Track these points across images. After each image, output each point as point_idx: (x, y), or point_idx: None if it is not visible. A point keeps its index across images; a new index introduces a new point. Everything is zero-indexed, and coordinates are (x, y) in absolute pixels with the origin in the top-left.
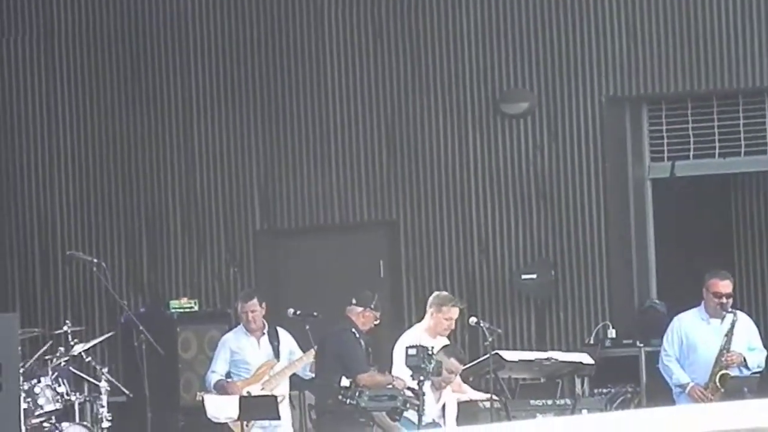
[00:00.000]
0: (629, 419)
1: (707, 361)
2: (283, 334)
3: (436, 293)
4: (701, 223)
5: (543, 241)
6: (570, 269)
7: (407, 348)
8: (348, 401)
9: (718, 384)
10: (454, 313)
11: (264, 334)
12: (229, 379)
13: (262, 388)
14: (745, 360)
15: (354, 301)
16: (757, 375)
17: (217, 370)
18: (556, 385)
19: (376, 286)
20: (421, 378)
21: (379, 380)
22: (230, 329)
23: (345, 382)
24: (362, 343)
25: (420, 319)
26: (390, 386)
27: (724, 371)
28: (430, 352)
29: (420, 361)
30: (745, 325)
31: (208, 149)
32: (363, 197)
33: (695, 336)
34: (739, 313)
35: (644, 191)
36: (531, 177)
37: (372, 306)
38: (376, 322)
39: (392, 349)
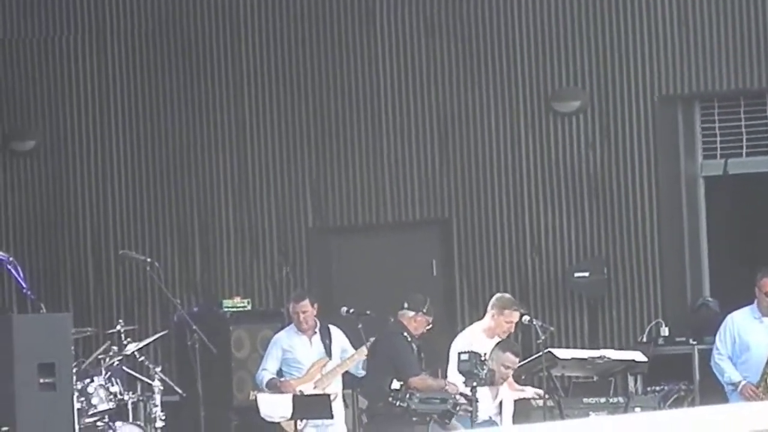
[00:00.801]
0: (683, 417)
1: (759, 360)
2: (336, 332)
3: (498, 295)
4: (754, 221)
5: (595, 239)
6: (622, 267)
7: (459, 353)
8: (399, 403)
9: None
10: (515, 316)
11: (316, 332)
12: (282, 378)
13: (315, 387)
14: None
15: (406, 305)
16: None
17: (269, 368)
18: (609, 383)
19: (428, 285)
20: (474, 384)
21: (430, 384)
22: (282, 328)
23: (396, 385)
24: (414, 347)
25: (474, 318)
26: (443, 391)
27: None
28: (482, 358)
29: (472, 366)
30: None
31: (260, 148)
32: (415, 195)
33: (747, 334)
34: None
35: (697, 189)
36: (583, 175)
37: (424, 310)
38: (429, 327)
39: (449, 347)
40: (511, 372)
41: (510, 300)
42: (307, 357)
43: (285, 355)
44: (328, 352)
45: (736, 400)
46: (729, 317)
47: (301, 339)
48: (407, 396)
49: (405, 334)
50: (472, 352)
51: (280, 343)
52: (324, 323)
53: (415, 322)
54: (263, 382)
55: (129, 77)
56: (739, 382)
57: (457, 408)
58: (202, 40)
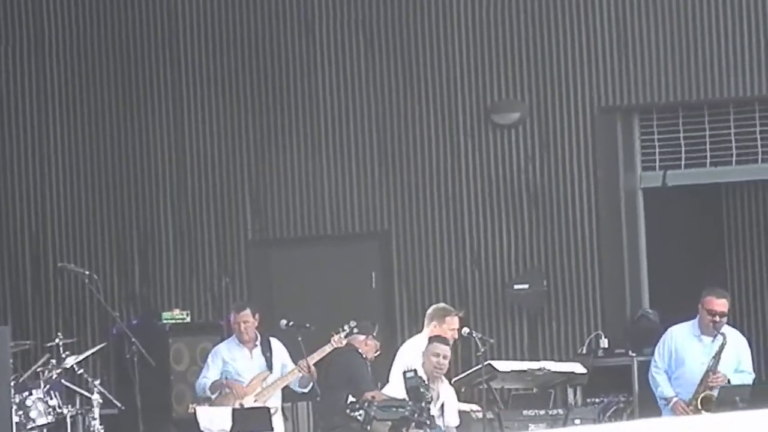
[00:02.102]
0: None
1: (693, 377)
2: (276, 346)
3: (435, 306)
4: (693, 232)
5: (535, 251)
6: (562, 279)
7: (404, 372)
8: (356, 414)
9: (699, 405)
10: (457, 321)
11: (257, 345)
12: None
13: (255, 400)
14: (729, 381)
15: (356, 330)
16: (749, 385)
17: (210, 377)
18: (548, 395)
19: (368, 298)
20: (422, 404)
21: (385, 396)
22: (222, 340)
23: (351, 398)
24: (368, 365)
25: (413, 330)
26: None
27: (707, 393)
28: (426, 382)
29: (419, 383)
30: (737, 345)
31: (199, 160)
32: (355, 208)
33: (685, 351)
34: (732, 332)
35: (636, 201)
36: (523, 187)
37: (374, 334)
38: (377, 353)
39: (390, 359)
40: (446, 362)
41: (447, 308)
42: (247, 369)
43: (225, 367)
44: (269, 366)
45: (668, 414)
46: (669, 331)
47: (242, 351)
48: (365, 405)
49: (361, 353)
50: (415, 371)
51: (220, 354)
52: (264, 336)
53: (366, 345)
54: (206, 387)
55: (68, 90)
56: (672, 397)
57: (416, 414)
58: (140, 52)
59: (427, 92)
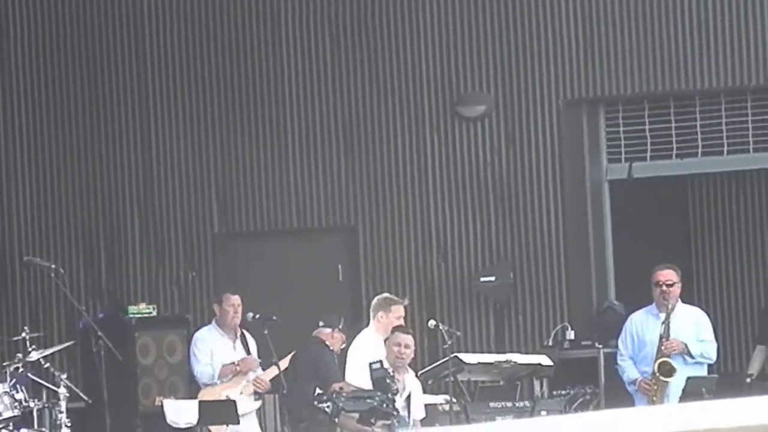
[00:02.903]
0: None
1: (654, 353)
2: (250, 340)
3: (378, 296)
4: (659, 224)
5: (501, 244)
6: (528, 271)
7: (371, 364)
8: (324, 406)
9: (657, 372)
10: (402, 311)
11: (237, 337)
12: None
13: (241, 393)
14: (687, 347)
15: (321, 324)
16: (716, 376)
17: (205, 362)
18: (515, 387)
19: (334, 290)
20: (388, 394)
21: (353, 390)
22: (189, 334)
23: (319, 391)
24: (334, 356)
25: None
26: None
27: (663, 359)
28: (392, 374)
29: (385, 375)
30: (694, 317)
31: (165, 153)
32: (321, 201)
33: (644, 331)
34: (688, 306)
35: (602, 193)
36: (489, 179)
37: (339, 327)
38: (343, 346)
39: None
40: (409, 352)
41: (390, 297)
42: (229, 360)
43: (212, 356)
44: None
45: (640, 398)
46: (629, 318)
47: (225, 342)
48: (333, 396)
49: (328, 346)
50: (381, 362)
51: (206, 341)
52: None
53: (333, 338)
54: (214, 375)
55: (32, 84)
56: (636, 378)
57: (384, 404)
58: (106, 45)
59: (392, 85)
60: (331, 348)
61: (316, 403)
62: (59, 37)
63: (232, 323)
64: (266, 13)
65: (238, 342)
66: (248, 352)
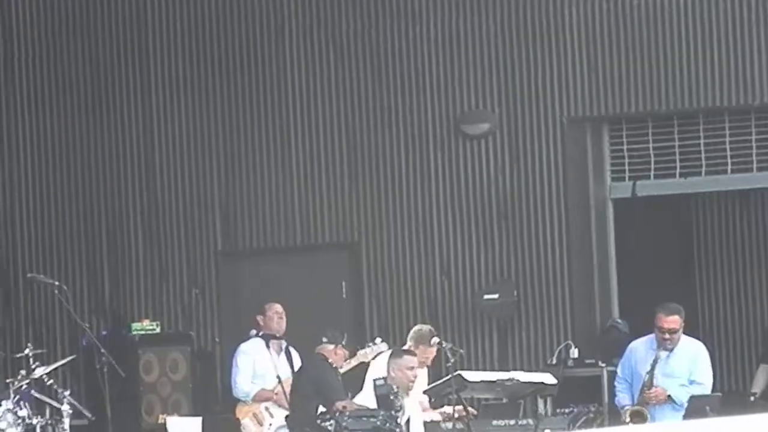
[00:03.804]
0: None
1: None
2: (295, 355)
3: (417, 327)
4: (662, 243)
5: (505, 262)
6: (532, 289)
7: (375, 380)
8: (327, 425)
9: (628, 419)
10: (431, 353)
11: (282, 350)
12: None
13: (279, 407)
14: (670, 397)
15: (325, 339)
16: (719, 395)
17: (246, 380)
18: (518, 405)
19: (338, 308)
20: (391, 411)
21: (355, 407)
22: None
23: (322, 408)
24: (337, 372)
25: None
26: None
27: (636, 408)
28: (395, 390)
29: (389, 391)
30: (693, 355)
31: (168, 171)
32: (325, 218)
33: (641, 365)
34: (689, 343)
35: (606, 211)
36: (492, 197)
37: (342, 343)
38: (346, 361)
39: (362, 372)
40: (414, 374)
41: (427, 334)
42: (270, 373)
43: (255, 368)
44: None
45: None
46: (630, 346)
47: (267, 353)
48: (336, 415)
49: (330, 360)
50: (385, 378)
51: (249, 352)
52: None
53: (336, 354)
54: (250, 395)
55: (37, 99)
56: (625, 405)
57: (387, 424)
58: (110, 63)
59: (396, 102)
60: (333, 365)
61: (319, 422)
62: (62, 56)
63: (278, 329)
64: (270, 30)
65: (283, 355)
66: (292, 366)
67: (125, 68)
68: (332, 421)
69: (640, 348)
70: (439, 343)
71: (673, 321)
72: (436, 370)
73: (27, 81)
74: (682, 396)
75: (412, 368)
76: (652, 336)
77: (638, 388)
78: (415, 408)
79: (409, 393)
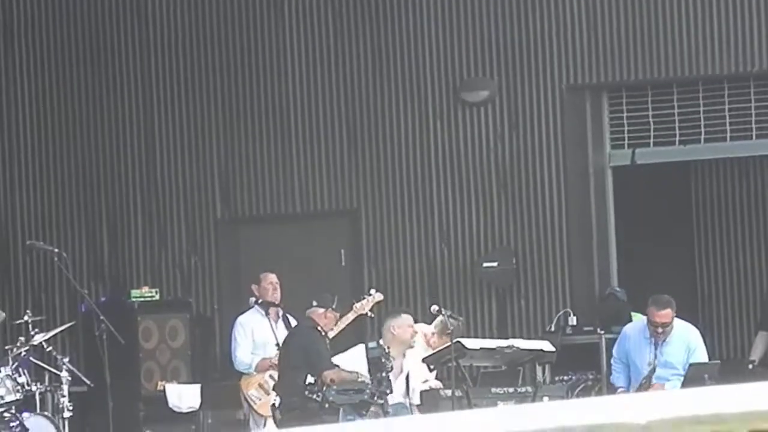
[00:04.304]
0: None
1: (639, 376)
2: (293, 322)
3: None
4: (662, 211)
5: (504, 230)
6: (531, 257)
7: (367, 345)
8: (315, 396)
9: None
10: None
11: (279, 317)
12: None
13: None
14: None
15: (315, 303)
16: (718, 362)
17: (246, 352)
18: (517, 372)
19: (337, 275)
20: (381, 373)
21: (344, 376)
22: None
23: (310, 379)
24: (327, 342)
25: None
26: (356, 381)
27: None
28: (387, 351)
29: (381, 354)
30: (687, 341)
31: (168, 138)
32: (324, 186)
33: (634, 352)
34: (682, 327)
35: (605, 179)
36: (492, 165)
37: (333, 306)
38: (337, 323)
39: (359, 334)
40: (414, 331)
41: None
42: (269, 342)
43: (254, 337)
44: None
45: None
46: (624, 330)
47: (265, 321)
48: (323, 389)
49: (318, 328)
50: (378, 342)
51: (246, 324)
52: (284, 313)
53: (326, 318)
54: (252, 366)
55: (35, 68)
56: (618, 387)
57: (375, 397)
58: (110, 29)
59: (395, 70)
60: (322, 332)
61: (306, 393)
62: (62, 25)
63: (273, 299)
64: (269, 1)
65: (281, 322)
66: None
67: (125, 41)
68: (319, 394)
69: (633, 336)
70: (439, 311)
71: (666, 315)
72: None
73: (27, 49)
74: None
75: (411, 325)
76: (644, 325)
77: (633, 376)
78: (416, 365)
79: (405, 353)
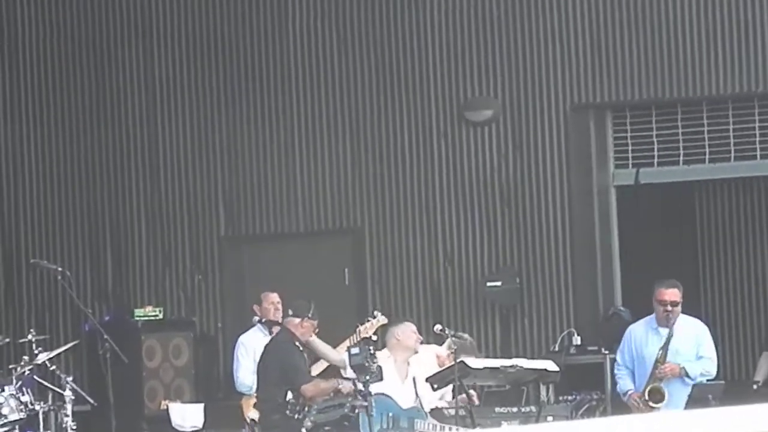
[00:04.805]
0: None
1: (648, 369)
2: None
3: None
4: (666, 230)
5: (508, 249)
6: (535, 277)
7: (349, 348)
8: (296, 416)
9: (647, 397)
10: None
11: None
12: None
13: None
14: (684, 369)
15: (291, 312)
16: (722, 383)
17: (245, 365)
18: (521, 392)
19: (340, 294)
20: (366, 378)
21: (323, 388)
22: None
23: (289, 396)
24: (305, 354)
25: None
26: (337, 392)
27: (655, 384)
28: (372, 352)
29: (363, 360)
30: (695, 332)
31: (172, 157)
32: (328, 204)
33: (642, 345)
34: (690, 320)
35: (609, 198)
36: (496, 184)
37: (309, 315)
38: (316, 331)
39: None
40: (418, 337)
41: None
42: None
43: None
44: None
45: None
46: (629, 329)
47: (267, 341)
48: (305, 409)
49: (296, 343)
50: (362, 345)
51: (248, 344)
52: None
53: (302, 327)
54: (253, 387)
55: (40, 87)
56: (628, 390)
57: (356, 410)
58: (114, 44)
59: (400, 89)
60: (299, 343)
61: (288, 412)
62: (65, 37)
63: (275, 318)
64: (273, 16)
65: None
66: None
67: (129, 59)
68: (300, 414)
69: (639, 329)
70: (442, 330)
71: (674, 294)
72: None
73: (31, 64)
74: (695, 370)
75: (414, 332)
76: (649, 317)
77: (642, 370)
78: (421, 370)
79: (410, 361)
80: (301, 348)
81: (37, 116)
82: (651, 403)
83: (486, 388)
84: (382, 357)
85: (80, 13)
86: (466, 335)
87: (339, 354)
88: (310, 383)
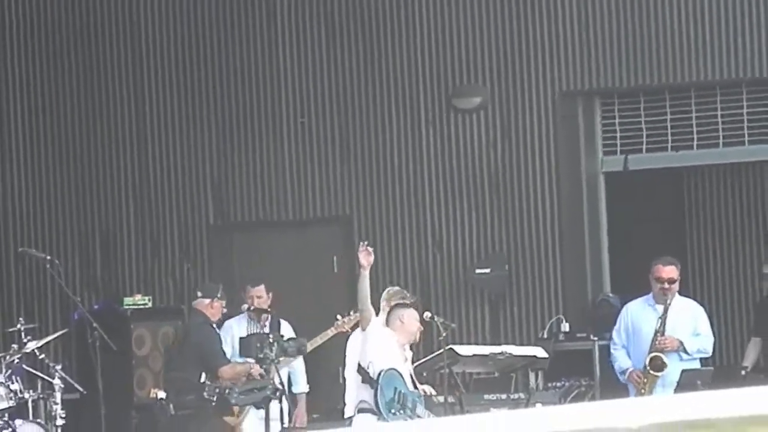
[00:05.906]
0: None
1: (645, 345)
2: (285, 327)
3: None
4: (654, 217)
5: (496, 236)
6: (524, 263)
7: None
8: (216, 398)
9: (648, 367)
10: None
11: (266, 325)
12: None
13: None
14: (683, 344)
15: (200, 294)
16: (711, 369)
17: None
18: (510, 379)
19: (330, 282)
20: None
21: (239, 370)
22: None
23: (203, 377)
24: (219, 334)
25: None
26: (249, 375)
27: (655, 354)
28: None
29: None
30: (693, 311)
31: (160, 145)
32: (316, 192)
33: (639, 321)
34: (687, 300)
35: (597, 185)
36: (484, 172)
37: (218, 296)
38: (224, 311)
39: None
40: (419, 326)
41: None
42: None
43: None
44: None
45: (632, 388)
46: (625, 307)
47: (251, 327)
48: (226, 391)
49: (211, 324)
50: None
51: (229, 329)
52: (275, 317)
53: (212, 308)
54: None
55: (27, 74)
56: (627, 368)
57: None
58: (101, 34)
59: (388, 76)
60: (212, 324)
61: (205, 394)
62: (55, 28)
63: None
64: (262, 4)
65: (268, 329)
66: None
67: (117, 45)
68: (219, 395)
69: (636, 306)
70: (431, 317)
71: (671, 271)
72: (427, 344)
73: (18, 52)
74: (693, 345)
75: (417, 319)
76: (647, 295)
77: (638, 347)
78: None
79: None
80: (214, 328)
81: (24, 104)
82: (652, 372)
83: (475, 375)
84: (387, 334)
85: (67, 6)
86: (453, 324)
87: (245, 366)
88: (227, 365)
